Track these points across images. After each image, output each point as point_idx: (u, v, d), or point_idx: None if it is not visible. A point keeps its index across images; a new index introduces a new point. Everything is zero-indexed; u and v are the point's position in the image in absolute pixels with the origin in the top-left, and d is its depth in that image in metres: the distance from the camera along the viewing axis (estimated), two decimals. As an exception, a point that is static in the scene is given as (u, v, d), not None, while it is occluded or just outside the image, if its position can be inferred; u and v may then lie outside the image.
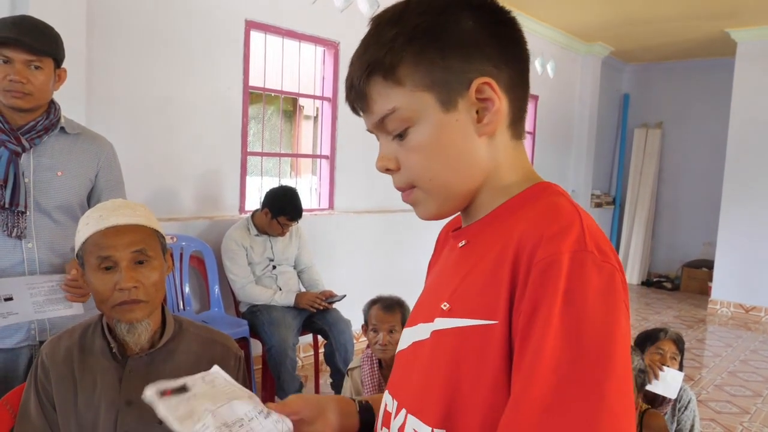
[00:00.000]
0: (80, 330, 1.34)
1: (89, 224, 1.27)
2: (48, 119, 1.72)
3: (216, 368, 0.80)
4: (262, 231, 3.26)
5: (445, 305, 0.71)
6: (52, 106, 1.75)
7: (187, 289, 3.32)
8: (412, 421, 0.72)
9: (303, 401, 0.84)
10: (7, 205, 1.65)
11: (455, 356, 0.67)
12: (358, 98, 0.72)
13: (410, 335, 0.79)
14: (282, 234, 3.28)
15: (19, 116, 1.68)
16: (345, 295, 3.31)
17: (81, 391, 1.26)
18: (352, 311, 3.18)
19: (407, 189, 0.74)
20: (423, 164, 0.71)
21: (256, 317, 3.14)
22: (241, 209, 3.80)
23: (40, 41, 1.63)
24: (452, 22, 0.68)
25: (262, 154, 4.44)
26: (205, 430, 0.69)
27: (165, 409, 0.70)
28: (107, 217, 1.27)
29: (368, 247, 4.53)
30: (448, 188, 0.72)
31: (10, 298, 1.59)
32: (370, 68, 0.69)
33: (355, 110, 0.74)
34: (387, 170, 0.73)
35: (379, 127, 0.72)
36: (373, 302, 2.39)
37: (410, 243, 4.59)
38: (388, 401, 0.80)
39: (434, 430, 0.68)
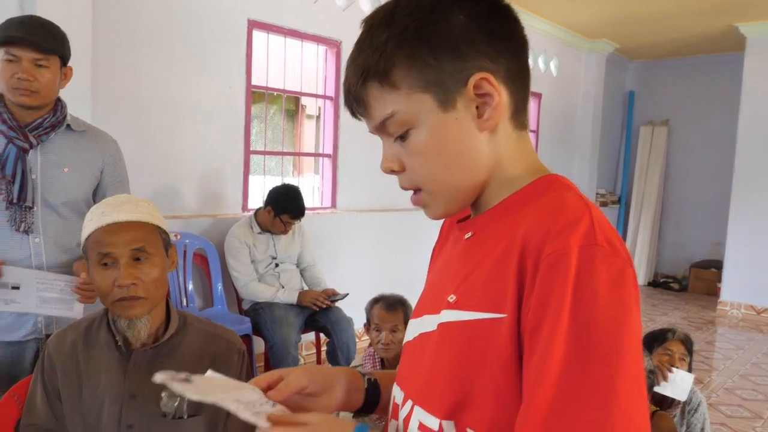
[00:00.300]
0: (86, 323, 1.38)
1: (92, 220, 1.31)
2: (54, 116, 1.77)
3: (211, 371, 0.82)
4: (265, 229, 3.30)
5: (451, 297, 0.72)
6: (58, 104, 1.80)
7: (190, 287, 3.36)
8: (419, 413, 0.73)
9: (308, 376, 0.83)
10: (15, 201, 1.70)
11: (463, 349, 0.68)
12: (355, 104, 0.73)
13: (416, 327, 0.80)
14: (284, 232, 3.32)
15: (27, 113, 1.73)
16: (347, 294, 3.35)
17: (86, 383, 1.30)
18: (354, 310, 3.22)
19: (413, 190, 0.75)
20: (426, 166, 0.71)
21: (258, 315, 3.18)
22: (244, 207, 3.84)
23: (46, 40, 1.68)
24: (442, 20, 0.68)
25: (264, 153, 4.49)
26: (222, 401, 0.71)
27: (180, 387, 0.72)
28: (109, 214, 1.30)
29: (371, 246, 4.56)
30: (453, 188, 0.72)
31: (17, 287, 1.64)
32: (365, 74, 0.70)
33: (354, 115, 0.75)
34: (392, 171, 0.74)
35: (380, 129, 0.73)
36: (375, 301, 2.42)
37: (413, 242, 4.62)
38: (396, 393, 0.81)
39: (442, 421, 0.69)
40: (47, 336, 1.67)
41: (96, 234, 1.29)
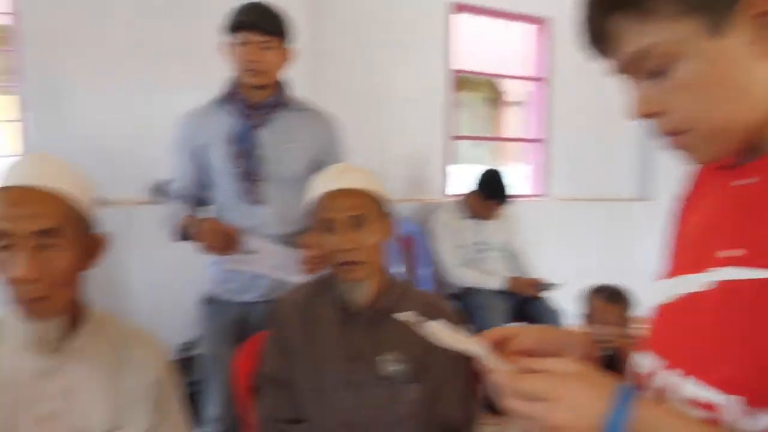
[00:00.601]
0: (313, 284, 1.48)
1: (317, 188, 1.41)
2: (279, 96, 1.94)
3: (441, 322, 0.83)
4: (472, 213, 3.32)
5: (735, 252, 0.63)
6: (282, 85, 1.97)
7: (396, 269, 3.49)
8: (692, 385, 0.65)
9: (536, 338, 0.81)
10: (246, 174, 1.89)
11: (759, 313, 0.59)
12: (600, 40, 0.67)
13: (673, 287, 0.72)
14: (492, 217, 3.30)
15: (256, 93, 1.91)
16: (559, 284, 3.22)
17: (310, 343, 1.39)
18: (561, 302, 3.12)
19: (676, 133, 0.67)
20: (695, 105, 0.64)
21: (465, 300, 3.20)
22: (447, 193, 3.90)
23: (270, 23, 1.85)
24: None
25: (468, 138, 4.50)
26: (462, 346, 0.72)
27: (420, 326, 0.76)
28: (331, 181, 1.39)
29: (580, 237, 4.36)
30: (727, 127, 0.64)
31: (254, 252, 1.85)
32: (614, 2, 0.64)
33: (596, 54, 0.69)
34: (649, 115, 0.67)
35: (630, 67, 0.66)
36: (595, 291, 2.30)
37: (628, 234, 4.32)
38: (645, 361, 0.74)
39: (726, 396, 0.61)
40: (273, 299, 1.82)
41: (319, 200, 1.38)
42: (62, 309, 1.08)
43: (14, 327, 1.09)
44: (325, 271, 1.51)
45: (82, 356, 1.12)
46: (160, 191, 2.95)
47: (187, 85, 2.91)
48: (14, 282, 1.01)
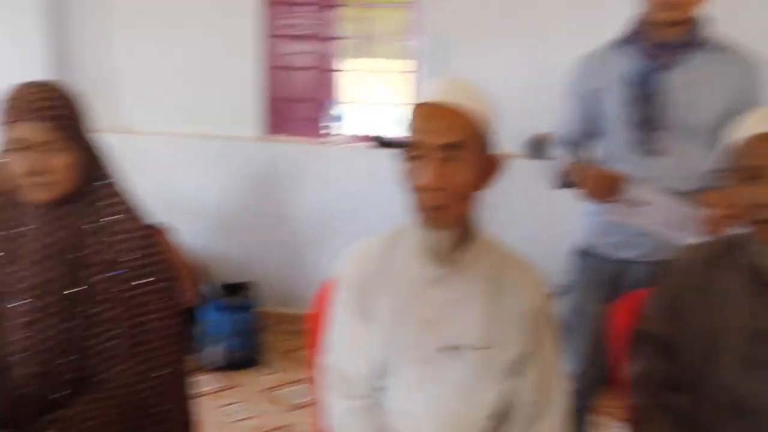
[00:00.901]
0: (715, 246, 1.32)
1: (745, 129, 1.22)
2: (693, 34, 1.74)
3: None
4: None
5: None
6: (699, 22, 1.75)
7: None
8: None
9: None
10: (643, 122, 1.75)
11: None
12: None
13: None
14: None
15: (666, 31, 1.74)
16: None
17: (706, 310, 1.25)
18: None
19: None
20: None
21: None
22: None
23: None
24: None
25: None
26: None
27: None
28: (759, 124, 1.19)
29: None
30: None
31: (646, 204, 1.72)
32: None
33: None
34: None
35: None
36: None
37: None
38: None
39: None
40: (656, 262, 1.66)
41: (745, 145, 1.19)
42: (456, 222, 1.16)
43: (413, 234, 1.21)
44: (730, 233, 1.32)
45: (467, 271, 1.20)
46: (537, 146, 3.00)
47: (574, 37, 2.83)
48: (420, 189, 1.12)
